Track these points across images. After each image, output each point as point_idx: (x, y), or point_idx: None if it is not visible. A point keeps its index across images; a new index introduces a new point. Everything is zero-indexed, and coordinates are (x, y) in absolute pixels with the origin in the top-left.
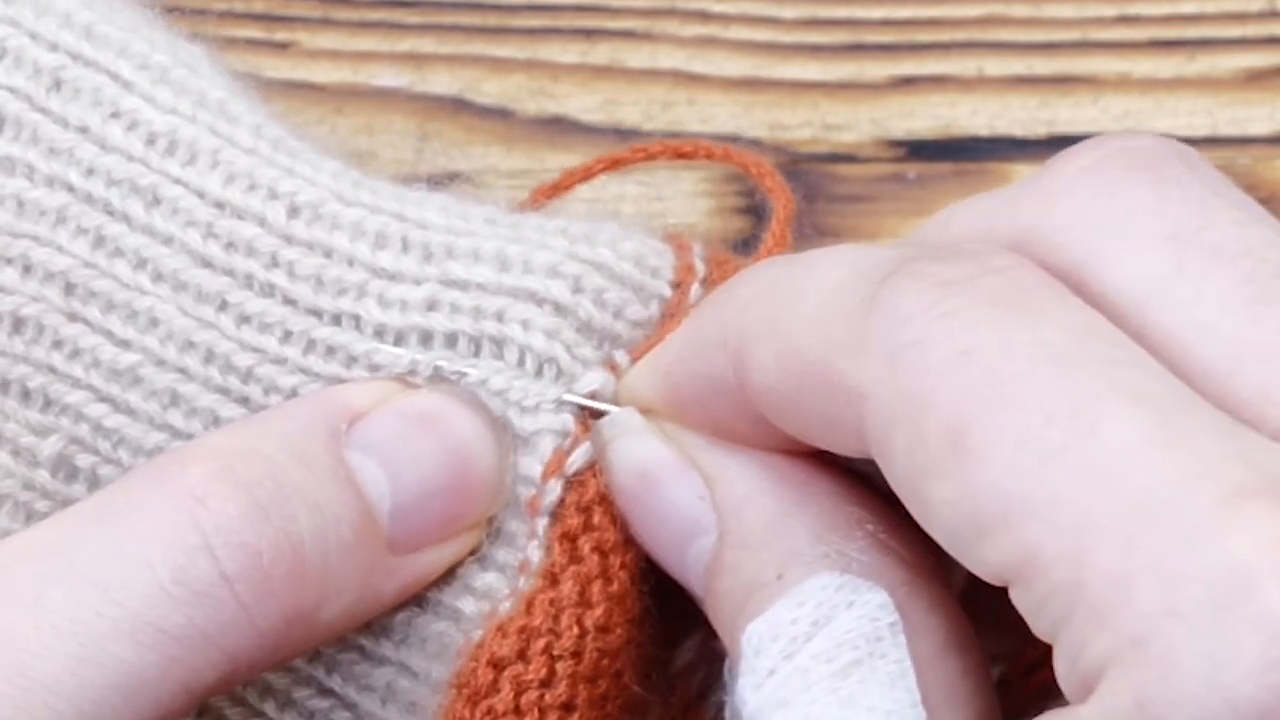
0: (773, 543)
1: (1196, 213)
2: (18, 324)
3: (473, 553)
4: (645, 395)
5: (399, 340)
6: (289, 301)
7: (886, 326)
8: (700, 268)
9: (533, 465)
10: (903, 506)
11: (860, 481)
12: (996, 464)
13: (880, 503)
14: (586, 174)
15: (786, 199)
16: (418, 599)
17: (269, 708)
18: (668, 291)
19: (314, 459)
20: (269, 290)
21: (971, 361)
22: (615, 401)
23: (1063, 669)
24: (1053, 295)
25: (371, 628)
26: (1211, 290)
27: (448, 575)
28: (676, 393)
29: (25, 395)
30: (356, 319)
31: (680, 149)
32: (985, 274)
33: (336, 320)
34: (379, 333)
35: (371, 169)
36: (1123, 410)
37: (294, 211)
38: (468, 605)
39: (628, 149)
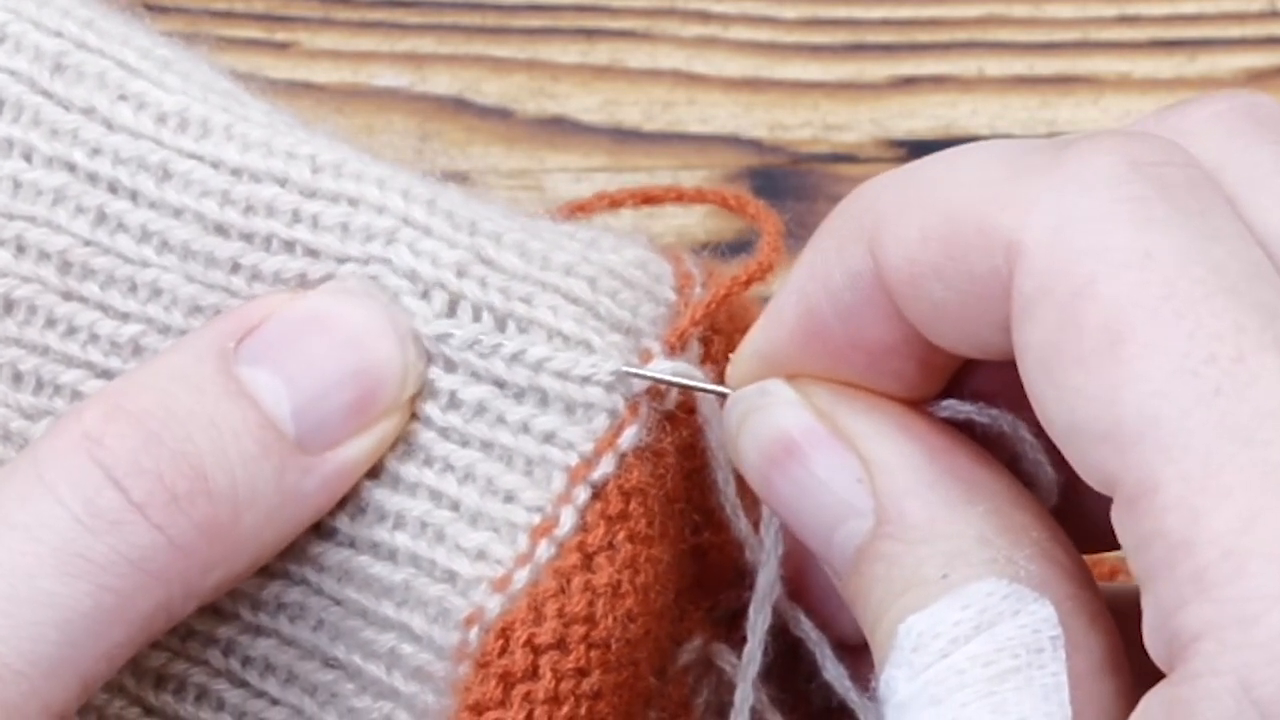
0: (936, 540)
1: None
2: (9, 306)
3: (455, 508)
4: (767, 349)
5: (425, 295)
6: (311, 253)
7: (1067, 187)
8: (697, 274)
9: (577, 433)
10: (1062, 517)
11: (1023, 487)
12: (1148, 382)
13: (1042, 510)
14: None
15: (773, 221)
16: (413, 558)
17: (270, 686)
18: (672, 296)
19: (204, 381)
20: (289, 247)
21: (1151, 265)
22: (715, 379)
23: (1152, 620)
24: (1228, 216)
25: (372, 588)
26: None
27: (435, 532)
28: (801, 333)
29: (16, 379)
30: (387, 263)
31: (649, 194)
32: (1172, 165)
33: (365, 265)
34: (409, 279)
35: None
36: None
37: (318, 169)
38: (462, 566)
39: (592, 196)
